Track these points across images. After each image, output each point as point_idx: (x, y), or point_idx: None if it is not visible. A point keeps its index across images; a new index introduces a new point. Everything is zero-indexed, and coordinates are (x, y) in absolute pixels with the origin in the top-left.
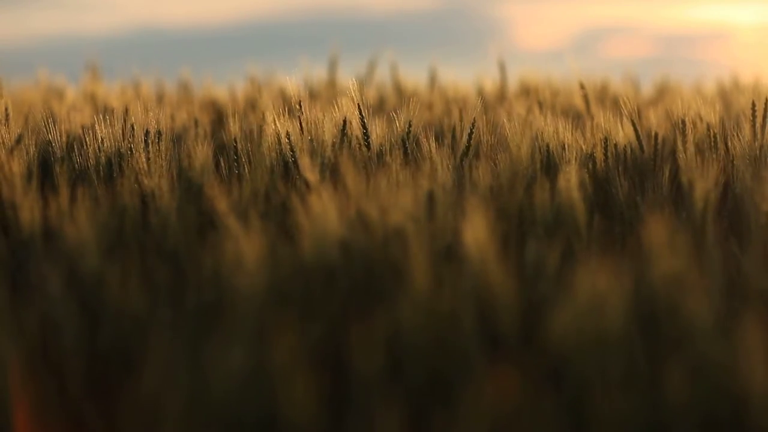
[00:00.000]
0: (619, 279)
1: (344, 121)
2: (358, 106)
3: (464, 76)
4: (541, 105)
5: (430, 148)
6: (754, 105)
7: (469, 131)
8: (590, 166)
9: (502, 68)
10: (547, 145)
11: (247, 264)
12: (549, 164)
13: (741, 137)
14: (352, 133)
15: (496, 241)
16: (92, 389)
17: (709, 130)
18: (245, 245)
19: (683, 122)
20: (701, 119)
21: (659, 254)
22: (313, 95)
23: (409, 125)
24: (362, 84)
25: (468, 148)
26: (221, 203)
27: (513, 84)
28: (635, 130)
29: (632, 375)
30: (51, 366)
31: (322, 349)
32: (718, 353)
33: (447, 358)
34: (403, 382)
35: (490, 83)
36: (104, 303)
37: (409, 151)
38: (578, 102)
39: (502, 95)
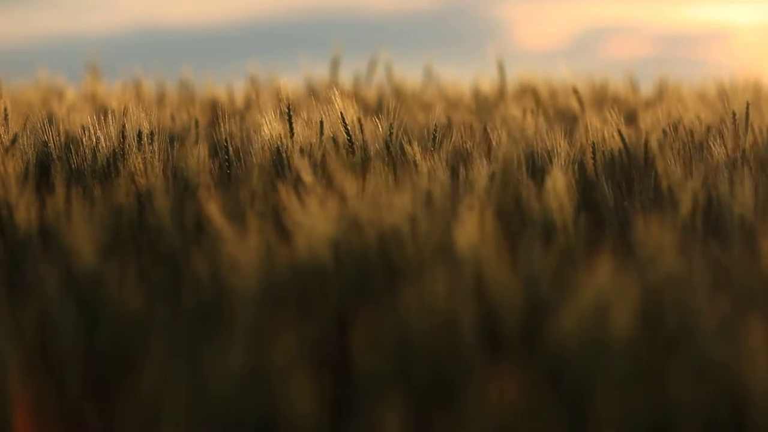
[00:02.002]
0: (622, 279)
1: (321, 123)
2: (340, 113)
3: (464, 76)
4: (537, 107)
5: (413, 151)
6: (734, 113)
7: (434, 129)
8: (576, 169)
9: (501, 69)
10: (538, 149)
11: (242, 264)
12: (534, 167)
13: (728, 141)
14: (337, 137)
15: (492, 241)
16: (91, 389)
17: (694, 134)
18: (238, 246)
19: (676, 126)
20: (699, 121)
21: (657, 255)
22: (313, 95)
23: (391, 128)
24: (358, 85)
25: (434, 140)
26: (212, 206)
27: (512, 84)
28: (621, 136)
29: (635, 375)
30: (49, 366)
31: (320, 349)
32: (720, 353)
33: (449, 359)
34: (406, 382)
35: (489, 83)
36: (102, 302)
37: (392, 154)
38: (575, 104)
39: (500, 96)
